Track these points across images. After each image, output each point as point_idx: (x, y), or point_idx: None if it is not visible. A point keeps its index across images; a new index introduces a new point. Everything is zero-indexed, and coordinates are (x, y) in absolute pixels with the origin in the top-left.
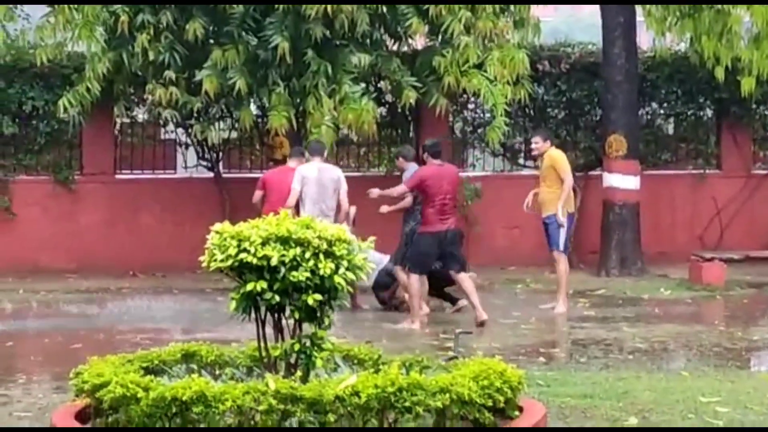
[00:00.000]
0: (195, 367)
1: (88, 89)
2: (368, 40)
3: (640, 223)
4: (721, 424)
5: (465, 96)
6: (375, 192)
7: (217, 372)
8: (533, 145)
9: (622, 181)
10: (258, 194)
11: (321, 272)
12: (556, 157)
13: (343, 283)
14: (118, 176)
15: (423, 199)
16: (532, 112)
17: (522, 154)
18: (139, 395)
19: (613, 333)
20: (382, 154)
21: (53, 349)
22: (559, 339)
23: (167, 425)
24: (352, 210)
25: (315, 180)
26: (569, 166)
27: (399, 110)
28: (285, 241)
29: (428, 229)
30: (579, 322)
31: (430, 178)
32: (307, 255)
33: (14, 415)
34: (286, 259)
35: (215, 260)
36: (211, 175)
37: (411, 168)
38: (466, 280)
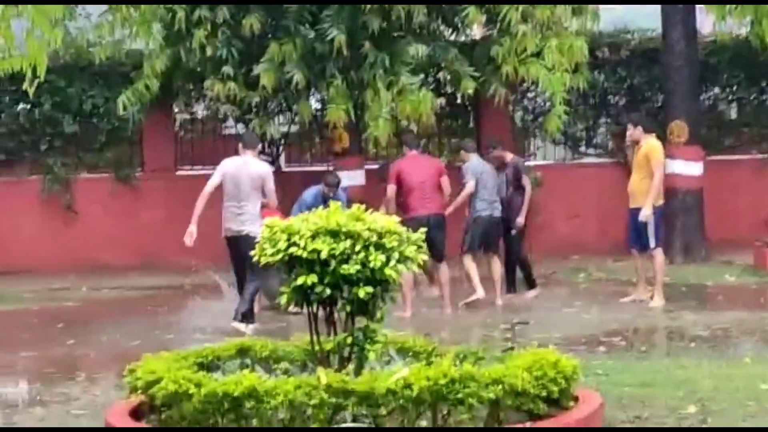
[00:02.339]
0: (249, 362)
1: (147, 86)
2: (425, 31)
3: (703, 209)
4: None
5: (524, 85)
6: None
7: (272, 366)
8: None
9: (685, 167)
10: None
11: (371, 265)
12: (651, 148)
13: (394, 275)
14: (179, 172)
15: (401, 189)
16: (592, 99)
17: (583, 143)
18: (191, 391)
19: (677, 321)
20: (442, 145)
21: (114, 347)
22: (620, 328)
23: (220, 421)
24: None
25: (231, 176)
26: (663, 161)
27: (458, 100)
28: (335, 234)
29: (411, 215)
30: (642, 311)
31: (404, 170)
32: (358, 248)
33: (72, 413)
34: (336, 252)
35: (265, 254)
36: (271, 169)
37: (473, 160)
38: (445, 270)
